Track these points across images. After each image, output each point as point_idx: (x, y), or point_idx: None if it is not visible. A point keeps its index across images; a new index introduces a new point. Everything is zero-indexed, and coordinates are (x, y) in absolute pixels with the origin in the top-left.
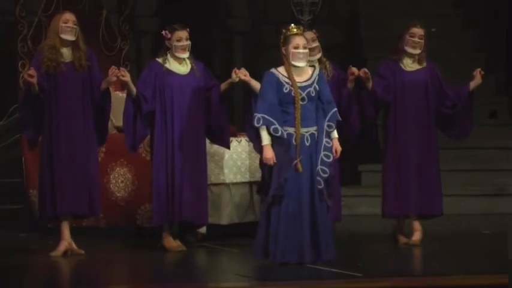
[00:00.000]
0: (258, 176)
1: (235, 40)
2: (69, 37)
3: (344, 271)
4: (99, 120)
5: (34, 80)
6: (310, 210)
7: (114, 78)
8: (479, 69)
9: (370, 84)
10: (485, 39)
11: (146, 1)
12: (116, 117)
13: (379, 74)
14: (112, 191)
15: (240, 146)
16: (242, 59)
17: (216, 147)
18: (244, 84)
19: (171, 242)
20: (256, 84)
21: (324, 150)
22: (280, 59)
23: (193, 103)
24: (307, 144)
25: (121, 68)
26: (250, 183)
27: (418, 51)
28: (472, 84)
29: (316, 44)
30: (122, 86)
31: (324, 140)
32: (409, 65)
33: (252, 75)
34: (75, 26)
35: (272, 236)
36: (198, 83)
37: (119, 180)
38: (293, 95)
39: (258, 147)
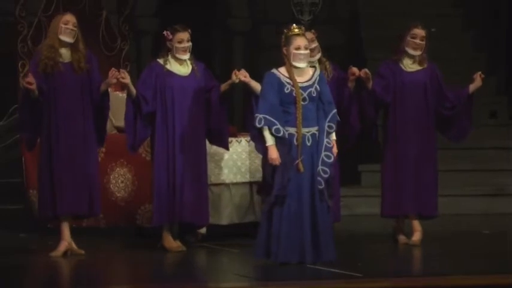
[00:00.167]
0: (258, 176)
1: (235, 40)
2: (68, 39)
3: (344, 271)
4: (98, 121)
5: (33, 87)
6: (310, 210)
7: (114, 81)
8: (479, 72)
9: (370, 84)
10: (485, 40)
11: (146, 1)
12: (116, 117)
13: (379, 74)
14: (112, 191)
15: (240, 146)
16: (242, 59)
17: (216, 147)
18: (244, 85)
19: (171, 242)
20: (256, 85)
21: (324, 151)
22: (280, 59)
23: (194, 104)
24: (309, 144)
25: (121, 70)
26: (251, 184)
27: (419, 53)
28: (472, 87)
29: (315, 44)
30: (122, 86)
31: (325, 140)
32: (409, 65)
33: (252, 76)
34: (74, 28)
35: (274, 236)
36: (199, 84)
37: (119, 180)
38: (294, 95)
39: (261, 148)
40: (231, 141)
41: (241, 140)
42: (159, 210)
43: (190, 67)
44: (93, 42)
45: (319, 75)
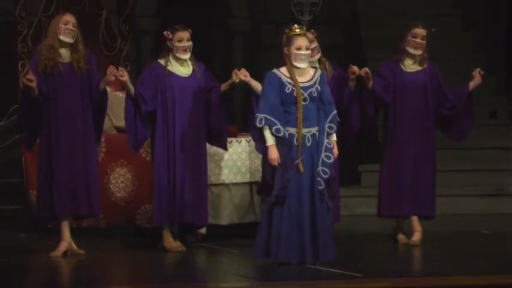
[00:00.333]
0: (258, 176)
1: (235, 40)
2: (68, 39)
3: (344, 271)
4: (96, 120)
5: (33, 84)
6: (310, 210)
7: (113, 78)
8: (478, 69)
9: (370, 84)
10: (485, 39)
11: (146, 1)
12: (116, 117)
13: (379, 74)
14: (112, 192)
15: (240, 146)
16: (242, 59)
17: (216, 147)
18: (244, 85)
19: (171, 243)
20: (256, 85)
21: (325, 151)
22: (280, 59)
23: (195, 104)
24: (308, 144)
25: (119, 68)
26: (251, 184)
27: (419, 52)
28: (472, 85)
29: (315, 44)
30: (122, 86)
31: (325, 141)
32: (409, 65)
33: (252, 75)
34: (74, 29)
35: (274, 236)
36: (199, 84)
37: (119, 180)
38: (295, 95)
39: (261, 148)
40: (231, 141)
41: (241, 140)
42: (159, 210)
43: (191, 67)
44: (93, 42)
45: (320, 75)
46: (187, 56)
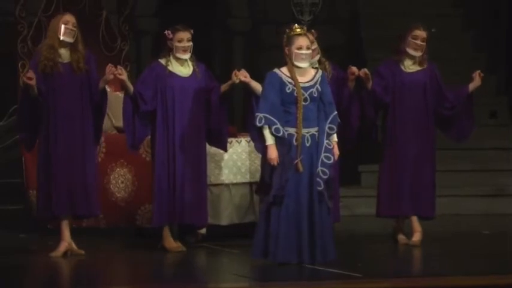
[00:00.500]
0: (258, 176)
1: (235, 40)
2: (68, 39)
3: (344, 271)
4: (96, 120)
5: (33, 83)
6: (308, 210)
7: (111, 77)
8: (478, 71)
9: (370, 84)
10: (485, 39)
11: (146, 1)
12: (116, 118)
13: (379, 74)
14: (112, 192)
15: (240, 146)
16: (242, 59)
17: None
18: (244, 85)
19: (171, 243)
20: (256, 86)
21: (324, 152)
22: (281, 59)
23: (195, 105)
24: (308, 144)
25: (118, 66)
26: (250, 184)
27: (419, 54)
28: (471, 86)
29: (314, 46)
30: (121, 85)
31: (325, 141)
32: (409, 66)
33: (252, 76)
34: (74, 29)
35: (272, 236)
36: (200, 84)
37: (119, 180)
38: (295, 95)
39: (260, 147)
40: (231, 141)
41: (241, 141)
42: (159, 210)
43: (191, 68)
44: (93, 42)
45: (321, 76)
46: (186, 56)
